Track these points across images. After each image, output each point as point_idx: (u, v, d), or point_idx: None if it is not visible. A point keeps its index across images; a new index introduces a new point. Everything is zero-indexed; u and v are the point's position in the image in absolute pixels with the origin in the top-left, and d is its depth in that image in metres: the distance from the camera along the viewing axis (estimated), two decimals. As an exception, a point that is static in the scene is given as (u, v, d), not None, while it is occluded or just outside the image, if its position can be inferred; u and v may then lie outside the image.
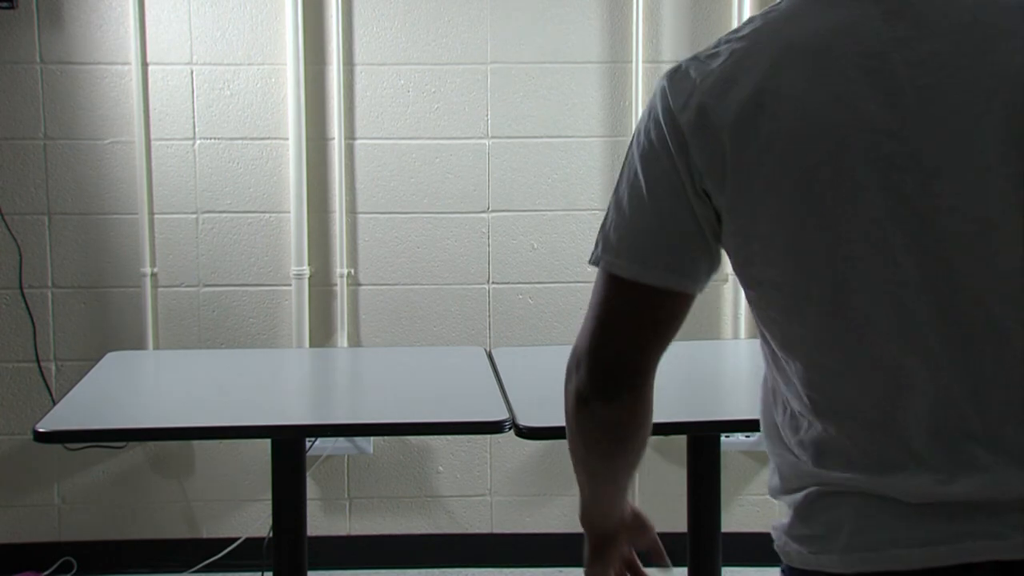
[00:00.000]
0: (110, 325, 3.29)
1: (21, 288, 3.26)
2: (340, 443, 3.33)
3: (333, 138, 3.26)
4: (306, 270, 3.27)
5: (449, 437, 3.35)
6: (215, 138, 3.25)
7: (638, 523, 1.36)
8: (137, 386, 2.53)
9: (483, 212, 3.29)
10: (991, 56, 0.99)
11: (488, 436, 3.26)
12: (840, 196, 1.01)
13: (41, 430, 2.00)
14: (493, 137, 3.27)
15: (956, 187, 0.99)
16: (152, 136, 3.23)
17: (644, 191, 1.08)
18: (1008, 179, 0.99)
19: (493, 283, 3.32)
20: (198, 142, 3.25)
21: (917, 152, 0.99)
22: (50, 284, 3.28)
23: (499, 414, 2.12)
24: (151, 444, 3.31)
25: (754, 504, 3.39)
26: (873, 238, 1.01)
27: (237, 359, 2.85)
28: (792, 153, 1.01)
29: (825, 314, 1.04)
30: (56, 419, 2.09)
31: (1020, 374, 1.01)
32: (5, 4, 3.11)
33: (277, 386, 2.48)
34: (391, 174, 3.28)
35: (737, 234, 1.06)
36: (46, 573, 3.34)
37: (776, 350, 1.11)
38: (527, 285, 3.32)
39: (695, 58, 1.09)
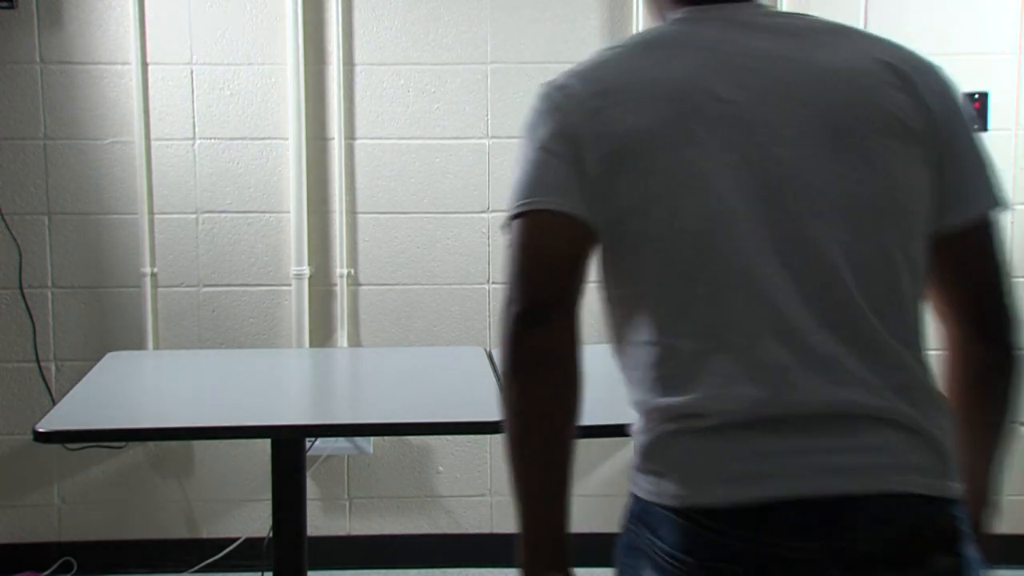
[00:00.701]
0: (110, 325, 3.29)
1: (21, 288, 3.26)
2: (340, 443, 3.33)
3: (333, 138, 3.26)
4: (306, 270, 3.27)
5: (449, 437, 3.35)
6: (215, 138, 3.25)
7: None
8: (137, 386, 2.53)
9: (483, 212, 3.29)
10: (798, 57, 1.25)
11: (488, 436, 3.26)
12: (690, 142, 1.19)
13: (41, 430, 2.00)
14: (493, 137, 3.27)
15: (782, 133, 1.20)
16: (152, 136, 3.23)
17: (535, 155, 1.25)
18: (818, 133, 1.21)
19: (493, 283, 3.32)
20: (198, 142, 3.25)
21: (747, 111, 1.21)
22: (50, 284, 3.28)
23: (499, 414, 2.12)
24: (151, 444, 3.31)
25: (754, 504, 3.39)
26: (717, 180, 1.19)
27: (237, 359, 2.85)
28: (653, 113, 1.20)
29: (677, 241, 1.20)
30: (56, 419, 2.09)
31: (845, 299, 1.17)
32: (5, 4, 3.11)
33: (277, 386, 2.48)
34: (391, 174, 3.28)
35: (602, 186, 1.22)
36: (46, 573, 3.34)
37: (619, 277, 1.25)
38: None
39: (575, 68, 1.31)
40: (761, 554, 1.13)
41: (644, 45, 1.28)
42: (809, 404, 1.15)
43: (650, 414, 1.22)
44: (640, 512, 1.24)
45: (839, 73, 1.24)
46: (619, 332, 1.27)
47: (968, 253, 1.25)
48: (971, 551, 1.27)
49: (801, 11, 3.22)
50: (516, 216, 1.23)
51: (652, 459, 1.21)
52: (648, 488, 1.22)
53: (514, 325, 1.20)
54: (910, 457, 1.17)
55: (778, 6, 3.20)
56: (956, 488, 1.21)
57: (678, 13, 1.30)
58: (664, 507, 1.19)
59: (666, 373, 1.20)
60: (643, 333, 1.22)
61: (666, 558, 1.18)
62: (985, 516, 1.38)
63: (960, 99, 1.31)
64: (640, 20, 3.22)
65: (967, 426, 1.28)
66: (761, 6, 1.32)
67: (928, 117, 1.26)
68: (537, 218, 1.22)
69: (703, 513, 1.15)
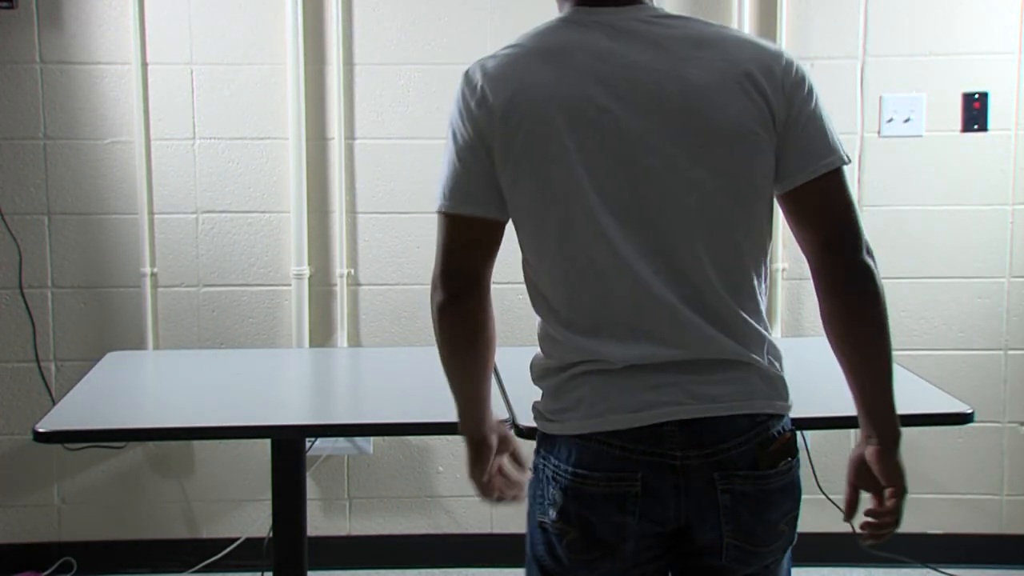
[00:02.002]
0: (110, 325, 3.29)
1: (21, 288, 3.26)
2: (340, 443, 3.33)
3: (333, 138, 3.26)
4: (306, 270, 3.27)
5: (449, 437, 3.34)
6: (215, 138, 3.25)
7: (503, 433, 1.79)
8: (137, 386, 2.54)
9: (483, 212, 3.29)
10: (669, 73, 1.49)
11: (488, 436, 3.26)
12: (577, 146, 1.48)
13: (41, 430, 2.01)
14: (493, 137, 3.27)
15: (648, 141, 1.48)
16: (152, 136, 3.23)
17: (456, 157, 1.57)
18: (678, 143, 1.48)
19: (493, 283, 3.31)
20: (198, 142, 3.25)
21: (622, 121, 1.48)
22: (50, 284, 3.28)
23: (499, 414, 2.13)
24: (151, 444, 3.31)
25: (754, 504, 3.39)
26: (596, 179, 1.48)
27: (237, 359, 2.85)
28: (546, 119, 1.48)
29: (570, 227, 1.50)
30: (56, 419, 2.09)
31: (703, 283, 1.50)
32: (5, 4, 3.11)
33: (277, 386, 2.49)
34: (391, 174, 3.28)
35: (507, 177, 1.52)
36: (46, 573, 3.34)
37: (531, 261, 1.58)
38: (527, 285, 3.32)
39: (481, 61, 1.55)
40: (656, 463, 1.48)
41: (543, 54, 1.53)
42: (685, 352, 1.49)
43: (563, 366, 1.54)
44: (548, 446, 1.56)
45: (700, 90, 1.49)
46: (533, 299, 1.61)
47: (818, 200, 1.53)
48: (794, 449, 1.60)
49: (802, 13, 3.23)
50: (440, 212, 1.61)
51: (560, 399, 1.55)
52: (557, 423, 1.54)
53: (438, 306, 1.61)
54: (760, 387, 1.53)
55: (779, 7, 3.20)
56: (787, 407, 1.58)
57: (567, 10, 1.58)
58: (573, 436, 1.51)
59: (569, 335, 1.53)
60: (548, 304, 1.56)
61: (572, 477, 1.50)
62: (889, 442, 1.63)
63: (803, 81, 1.53)
64: (640, 20, 3.22)
65: (847, 352, 1.58)
66: (644, 8, 1.55)
67: (773, 113, 1.51)
68: (457, 220, 1.59)
69: (609, 435, 1.49)
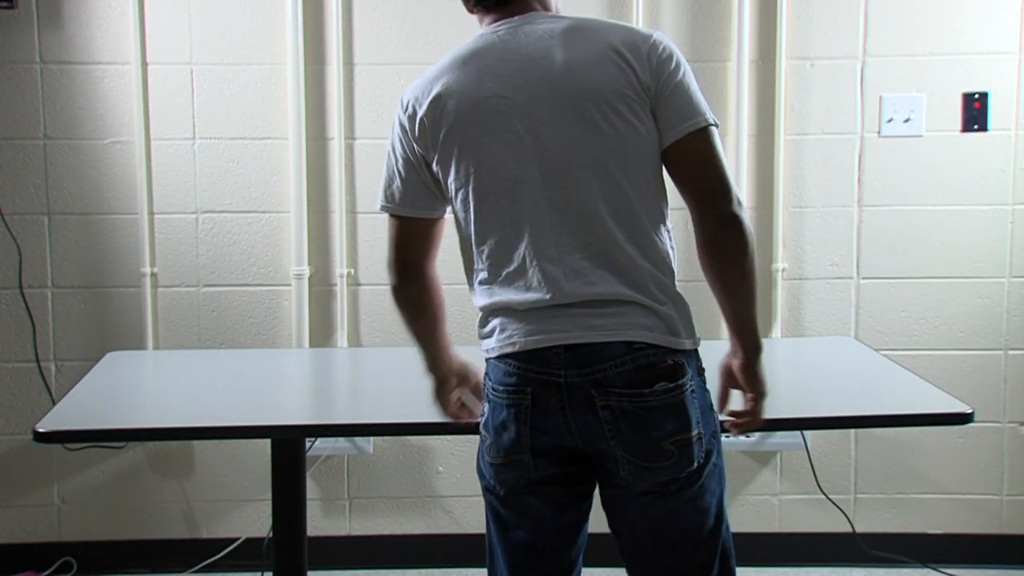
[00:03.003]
0: (110, 325, 3.29)
1: (21, 288, 3.26)
2: (340, 443, 3.33)
3: (333, 138, 3.26)
4: (306, 270, 3.27)
5: (449, 437, 3.35)
6: (215, 138, 3.25)
7: (464, 372, 2.04)
8: (137, 386, 2.53)
9: (483, 212, 3.29)
10: (550, 57, 1.80)
11: (488, 436, 3.26)
12: (484, 132, 1.81)
13: (41, 430, 2.00)
14: (493, 137, 3.27)
15: (542, 116, 1.79)
16: (152, 136, 3.23)
17: (395, 162, 1.94)
18: (565, 113, 1.78)
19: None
20: (198, 142, 3.25)
21: (518, 104, 1.79)
22: (50, 284, 3.28)
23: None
24: (151, 444, 3.31)
25: (754, 504, 3.39)
26: (503, 156, 1.80)
27: (237, 359, 2.85)
28: (459, 117, 1.82)
29: (483, 201, 1.83)
30: (56, 419, 2.09)
31: (602, 232, 1.78)
32: (5, 4, 3.11)
33: (277, 386, 2.49)
34: (391, 174, 3.28)
35: (441, 172, 1.87)
36: (46, 573, 3.34)
37: (462, 231, 1.90)
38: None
39: (411, 85, 1.93)
40: (543, 381, 1.79)
41: (461, 61, 1.86)
42: (572, 296, 1.78)
43: (483, 308, 1.88)
44: (486, 368, 1.89)
45: (577, 66, 1.78)
46: (465, 261, 1.92)
47: (688, 156, 1.80)
48: (695, 384, 1.80)
49: (803, 13, 3.23)
50: (383, 210, 1.98)
51: (484, 330, 1.88)
52: (484, 349, 1.87)
53: (391, 287, 1.99)
54: (641, 321, 1.78)
55: (779, 7, 3.20)
56: (683, 343, 1.80)
57: (484, 27, 1.92)
58: (492, 358, 1.85)
59: (489, 286, 1.86)
60: (473, 262, 1.89)
61: (492, 392, 1.84)
62: (748, 356, 1.86)
63: (670, 58, 1.81)
64: (640, 20, 3.22)
65: (717, 287, 1.83)
66: (533, 14, 1.87)
67: (641, 81, 1.78)
68: (398, 219, 1.97)
69: (510, 356, 1.81)
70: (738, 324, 1.84)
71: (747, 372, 1.86)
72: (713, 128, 1.79)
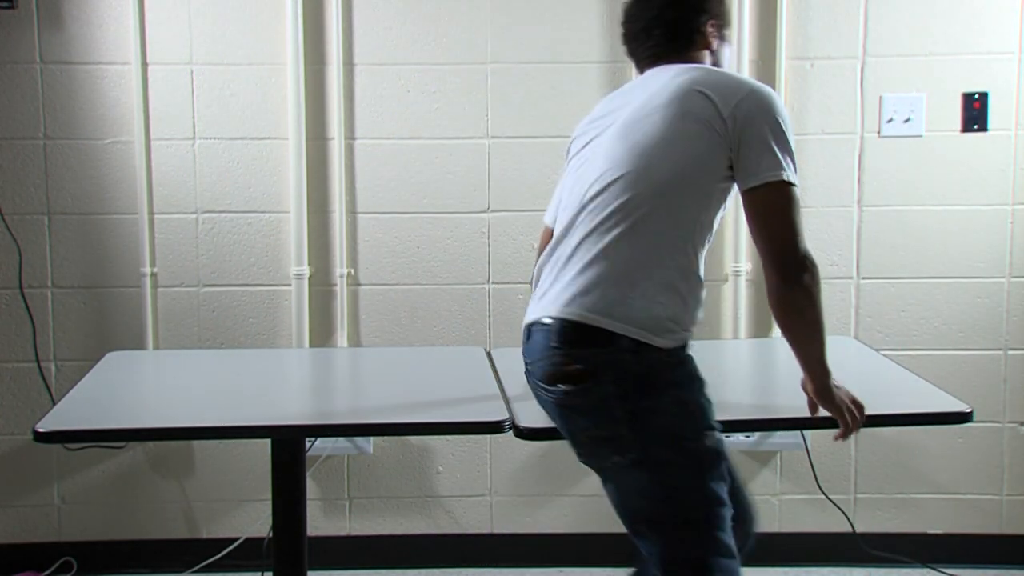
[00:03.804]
0: (110, 325, 3.29)
1: (21, 288, 3.26)
2: (340, 443, 3.33)
3: (333, 138, 3.26)
4: (306, 270, 3.27)
5: (449, 437, 3.35)
6: (215, 138, 3.25)
7: None
8: (137, 386, 2.53)
9: (483, 212, 3.29)
10: (645, 101, 2.06)
11: (488, 436, 3.26)
12: (573, 154, 2.21)
13: (41, 430, 2.00)
14: (493, 137, 3.27)
15: (603, 147, 2.08)
16: (152, 136, 3.23)
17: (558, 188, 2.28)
18: (619, 144, 2.03)
19: (493, 283, 3.32)
20: (198, 142, 3.25)
21: (602, 136, 2.11)
22: (50, 284, 3.28)
23: (499, 414, 2.12)
24: (151, 444, 3.31)
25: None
26: (569, 177, 2.17)
27: (237, 359, 2.85)
28: (589, 131, 2.17)
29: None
30: (56, 419, 2.09)
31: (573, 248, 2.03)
32: (5, 4, 3.11)
33: (277, 386, 2.48)
34: (391, 174, 3.28)
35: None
36: (46, 573, 3.34)
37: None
38: (527, 285, 3.31)
39: None
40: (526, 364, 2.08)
41: (614, 93, 2.24)
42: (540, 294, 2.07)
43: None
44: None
45: (657, 93, 2.04)
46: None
47: (752, 209, 1.98)
48: (610, 390, 1.94)
49: (803, 13, 3.23)
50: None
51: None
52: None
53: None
54: (583, 298, 1.98)
55: (779, 7, 3.20)
56: (619, 325, 1.95)
57: (635, 75, 2.24)
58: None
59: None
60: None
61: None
62: (814, 387, 2.04)
63: (761, 111, 1.98)
64: (640, 20, 3.22)
65: (785, 334, 2.01)
66: (665, 68, 2.10)
67: (723, 119, 1.95)
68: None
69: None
70: (801, 362, 2.02)
71: (818, 398, 2.04)
72: None
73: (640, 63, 2.19)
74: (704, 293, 2.08)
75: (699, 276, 2.04)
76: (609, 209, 1.98)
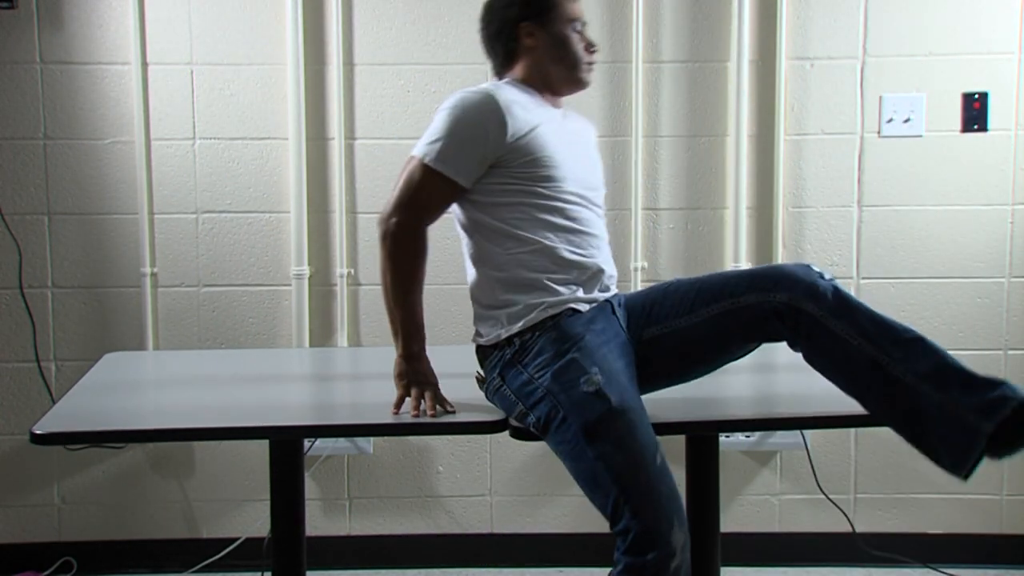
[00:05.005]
0: (110, 325, 3.29)
1: (21, 288, 3.26)
2: (340, 443, 3.33)
3: (333, 138, 3.26)
4: (306, 270, 3.27)
5: (449, 437, 3.35)
6: (215, 138, 3.25)
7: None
8: (136, 386, 2.53)
9: (483, 212, 3.29)
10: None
11: (488, 436, 3.26)
12: None
13: (38, 432, 1.99)
14: (493, 137, 3.27)
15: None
16: (152, 136, 3.23)
17: None
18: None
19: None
20: (198, 142, 3.25)
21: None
22: (50, 284, 3.28)
23: (499, 414, 2.13)
24: (151, 444, 3.31)
25: (753, 504, 3.39)
26: None
27: (237, 359, 2.85)
28: None
29: None
30: (54, 420, 2.09)
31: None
32: (5, 4, 3.11)
33: (277, 386, 2.48)
34: (391, 174, 3.26)
35: None
36: (46, 573, 3.34)
37: None
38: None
39: None
40: None
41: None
42: None
43: None
44: None
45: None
46: None
47: None
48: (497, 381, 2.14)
49: (803, 13, 3.22)
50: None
51: None
52: None
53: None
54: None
55: (779, 7, 3.20)
56: (483, 341, 2.20)
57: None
58: None
59: None
60: None
61: None
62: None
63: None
64: (640, 20, 3.22)
65: None
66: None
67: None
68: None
69: None
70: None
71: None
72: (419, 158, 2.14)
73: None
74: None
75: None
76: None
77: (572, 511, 3.39)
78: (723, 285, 2.08)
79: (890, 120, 3.26)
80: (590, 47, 2.30)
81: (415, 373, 2.15)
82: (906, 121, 3.26)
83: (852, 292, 3.31)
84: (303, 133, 3.23)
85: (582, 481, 2.01)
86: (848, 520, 3.35)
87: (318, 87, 3.24)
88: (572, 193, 2.18)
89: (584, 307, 2.14)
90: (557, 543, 3.40)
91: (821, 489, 3.33)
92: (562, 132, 2.22)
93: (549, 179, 2.14)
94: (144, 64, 3.21)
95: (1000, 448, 1.84)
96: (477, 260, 2.24)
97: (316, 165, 3.27)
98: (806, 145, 3.27)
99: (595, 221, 2.23)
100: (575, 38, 2.28)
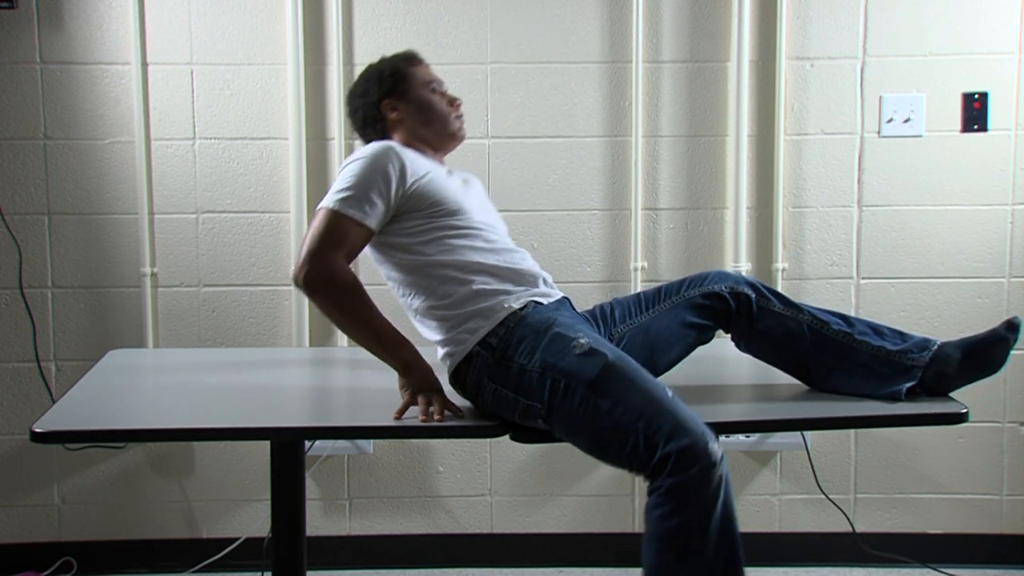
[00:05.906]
0: (110, 325, 3.29)
1: (21, 288, 3.26)
2: (340, 443, 3.33)
3: (333, 138, 3.26)
4: (306, 270, 3.27)
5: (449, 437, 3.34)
6: (215, 138, 3.25)
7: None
8: (136, 386, 2.53)
9: (483, 212, 3.29)
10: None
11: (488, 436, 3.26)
12: None
13: (38, 430, 1.99)
14: (493, 137, 3.27)
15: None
16: (152, 136, 3.24)
17: None
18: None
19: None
20: (198, 142, 3.25)
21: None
22: (50, 284, 3.28)
23: (498, 417, 2.12)
24: (151, 444, 3.31)
25: (754, 504, 3.39)
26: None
27: (237, 359, 2.85)
28: None
29: None
30: (54, 419, 2.09)
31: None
32: (5, 4, 3.11)
33: (277, 386, 2.48)
34: (391, 174, 3.27)
35: None
36: (46, 573, 3.34)
37: None
38: (527, 285, 3.32)
39: None
40: None
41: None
42: None
43: None
44: None
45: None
46: None
47: None
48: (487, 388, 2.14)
49: (803, 13, 3.22)
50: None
51: None
52: None
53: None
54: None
55: (779, 7, 3.20)
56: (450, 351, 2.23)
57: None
58: None
59: None
60: None
61: None
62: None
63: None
64: (640, 20, 3.22)
65: None
66: None
67: None
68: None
69: None
70: None
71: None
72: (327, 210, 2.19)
73: None
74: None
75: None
76: None
77: (572, 511, 3.39)
78: (663, 289, 2.31)
79: (890, 120, 3.26)
80: (453, 102, 2.44)
81: (418, 380, 2.15)
82: (906, 121, 3.26)
83: (852, 292, 3.32)
84: (303, 133, 3.23)
85: (604, 440, 1.97)
86: (848, 520, 3.35)
87: (318, 87, 3.24)
88: (481, 222, 2.30)
89: (544, 300, 2.22)
90: (557, 543, 3.40)
91: (821, 489, 3.33)
92: (452, 180, 2.37)
93: (457, 213, 2.26)
94: (144, 64, 3.21)
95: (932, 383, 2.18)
96: (424, 302, 2.28)
97: (316, 165, 3.27)
98: (806, 145, 3.27)
99: (511, 244, 2.36)
100: (436, 98, 2.43)
